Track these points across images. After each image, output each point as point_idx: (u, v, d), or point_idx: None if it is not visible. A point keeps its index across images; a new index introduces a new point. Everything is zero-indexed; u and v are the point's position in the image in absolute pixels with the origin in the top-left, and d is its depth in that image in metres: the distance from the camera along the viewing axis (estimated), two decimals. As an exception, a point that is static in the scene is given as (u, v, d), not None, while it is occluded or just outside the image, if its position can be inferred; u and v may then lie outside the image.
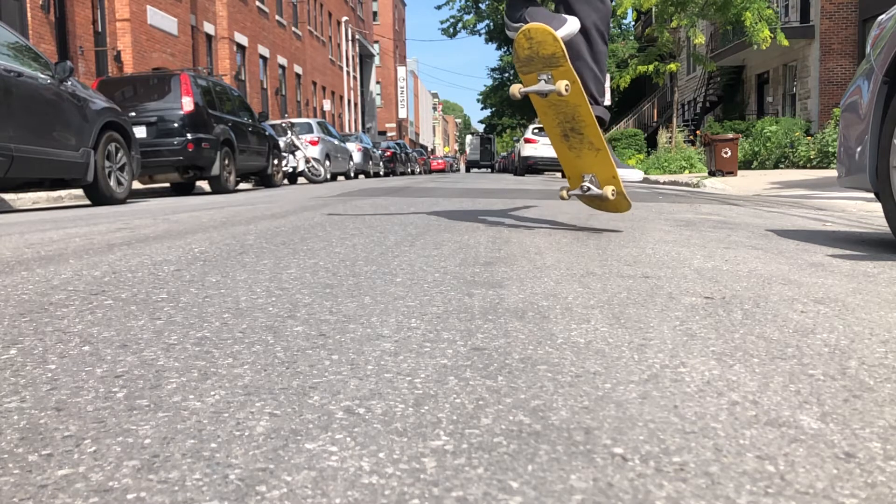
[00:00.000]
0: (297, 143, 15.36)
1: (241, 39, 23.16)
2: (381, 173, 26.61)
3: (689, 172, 15.81)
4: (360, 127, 41.73)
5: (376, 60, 52.01)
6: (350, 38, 40.71)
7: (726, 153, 13.06)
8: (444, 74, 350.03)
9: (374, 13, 56.68)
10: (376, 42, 53.88)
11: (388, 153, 29.13)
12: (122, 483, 0.69)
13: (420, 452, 0.75)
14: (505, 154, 50.82)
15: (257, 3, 24.86)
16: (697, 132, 21.95)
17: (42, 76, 6.18)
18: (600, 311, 1.48)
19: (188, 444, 0.78)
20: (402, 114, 61.58)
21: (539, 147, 21.81)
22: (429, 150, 76.98)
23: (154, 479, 0.69)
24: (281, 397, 0.93)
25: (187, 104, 9.56)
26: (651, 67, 18.82)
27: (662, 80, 20.88)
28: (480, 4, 38.54)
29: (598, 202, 3.37)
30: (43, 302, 1.62)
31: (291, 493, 0.66)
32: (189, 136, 9.47)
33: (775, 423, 0.84)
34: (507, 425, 0.83)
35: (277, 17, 27.63)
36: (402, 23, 68.63)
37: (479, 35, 39.44)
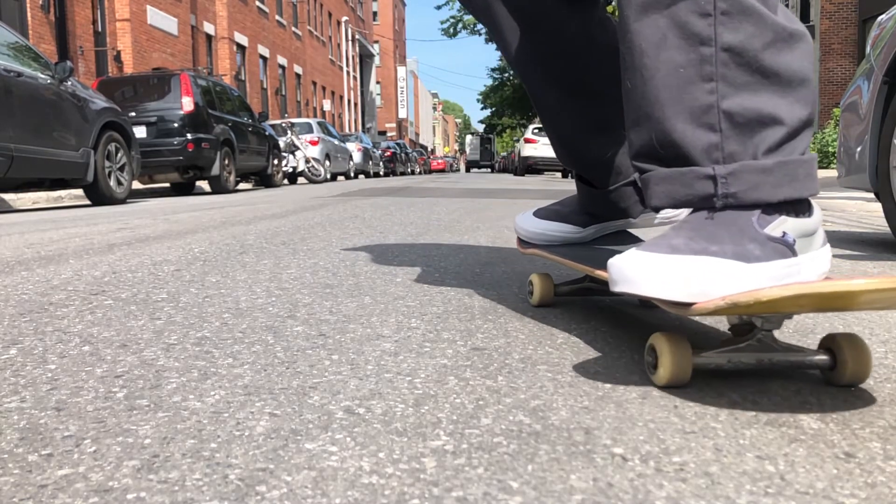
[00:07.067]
0: (297, 143, 15.37)
1: (241, 39, 23.16)
2: (381, 173, 26.63)
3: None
4: (360, 127, 41.75)
5: (376, 60, 52.03)
6: (350, 38, 40.72)
7: (726, 153, 13.04)
8: (444, 74, 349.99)
9: (374, 13, 56.72)
10: (376, 42, 53.89)
11: (388, 153, 29.17)
12: (122, 483, 0.69)
13: (420, 452, 0.75)
14: (505, 154, 50.91)
15: (257, 3, 24.85)
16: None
17: (42, 76, 6.18)
18: (600, 310, 1.48)
19: (188, 444, 0.78)
20: (402, 114, 61.58)
21: (539, 147, 21.79)
22: (429, 150, 77.08)
23: (154, 479, 0.69)
24: (281, 397, 0.93)
25: (187, 104, 9.57)
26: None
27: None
28: (480, 4, 38.39)
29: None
30: (43, 302, 1.62)
31: (291, 493, 0.66)
32: (189, 136, 9.47)
33: (775, 423, 0.84)
34: (507, 425, 0.83)
35: (277, 17, 27.63)
36: (402, 23, 68.68)
37: (480, 35, 39.45)
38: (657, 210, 1.04)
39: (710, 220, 0.97)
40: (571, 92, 1.41)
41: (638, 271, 0.92)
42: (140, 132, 9.16)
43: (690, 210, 1.01)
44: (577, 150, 1.47)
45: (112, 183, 6.99)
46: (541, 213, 1.57)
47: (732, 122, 0.96)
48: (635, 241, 1.54)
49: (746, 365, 0.97)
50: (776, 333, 1.02)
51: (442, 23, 40.57)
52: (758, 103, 0.96)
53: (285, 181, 15.38)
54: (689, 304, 0.90)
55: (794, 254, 0.96)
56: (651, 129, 1.01)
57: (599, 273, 1.19)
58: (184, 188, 10.81)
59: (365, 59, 47.29)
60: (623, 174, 1.45)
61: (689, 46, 0.97)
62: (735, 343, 0.98)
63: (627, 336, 1.27)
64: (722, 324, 1.33)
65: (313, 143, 16.25)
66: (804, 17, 21.11)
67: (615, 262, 0.96)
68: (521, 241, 1.62)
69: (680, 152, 0.99)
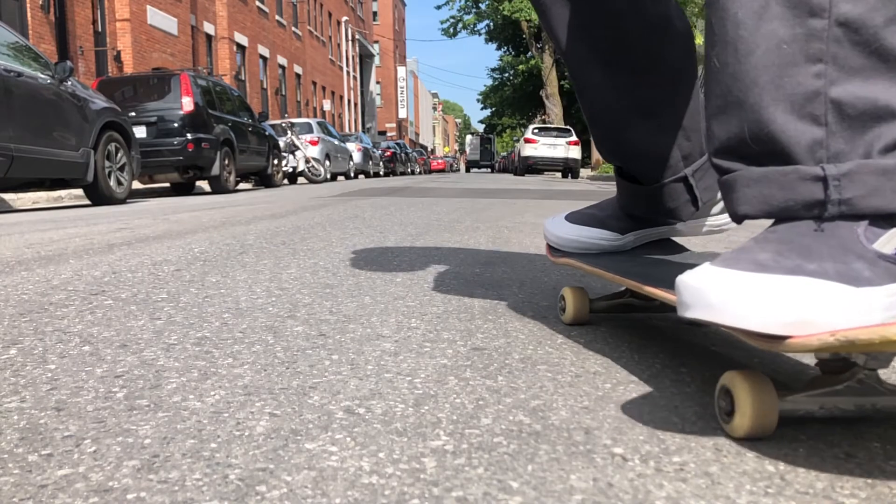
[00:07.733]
0: (297, 143, 15.36)
1: (241, 39, 23.16)
2: (381, 173, 26.62)
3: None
4: (360, 127, 41.77)
5: (376, 60, 52.04)
6: (350, 38, 40.73)
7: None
8: (444, 74, 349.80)
9: (374, 13, 56.75)
10: (376, 42, 53.92)
11: (388, 153, 29.17)
12: (122, 483, 0.69)
13: (420, 452, 0.75)
14: (505, 154, 50.93)
15: (257, 3, 24.86)
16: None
17: (42, 76, 6.18)
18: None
19: (188, 444, 0.78)
20: (402, 114, 61.60)
21: (539, 147, 21.78)
22: (429, 150, 77.10)
23: (154, 479, 0.69)
24: (281, 397, 0.93)
25: (187, 104, 9.57)
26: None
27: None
28: (480, 4, 38.56)
29: None
30: (43, 302, 1.62)
31: (291, 493, 0.66)
32: (189, 136, 9.47)
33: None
34: (507, 425, 0.83)
35: (277, 17, 27.63)
36: (402, 23, 68.71)
37: (479, 35, 39.51)
38: (741, 220, 0.84)
39: (813, 232, 0.76)
40: (616, 70, 1.23)
41: (719, 294, 0.72)
42: (140, 132, 9.16)
43: (773, 221, 0.81)
44: (620, 138, 1.27)
45: (112, 183, 6.99)
46: (574, 217, 1.39)
47: (841, 113, 0.77)
48: (681, 250, 1.39)
49: (843, 411, 0.78)
50: (881, 373, 0.81)
51: (442, 23, 40.60)
52: (873, 92, 0.76)
53: (285, 181, 15.38)
54: (784, 338, 0.69)
55: None
56: (743, 118, 0.80)
57: (651, 290, 1.00)
58: (184, 188, 10.80)
59: (365, 59, 47.31)
60: (672, 168, 1.26)
61: (796, 18, 0.77)
62: (830, 384, 0.78)
63: (628, 336, 1.27)
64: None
65: (313, 143, 16.25)
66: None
67: (688, 282, 0.75)
68: (551, 249, 1.42)
69: (777, 148, 0.78)
